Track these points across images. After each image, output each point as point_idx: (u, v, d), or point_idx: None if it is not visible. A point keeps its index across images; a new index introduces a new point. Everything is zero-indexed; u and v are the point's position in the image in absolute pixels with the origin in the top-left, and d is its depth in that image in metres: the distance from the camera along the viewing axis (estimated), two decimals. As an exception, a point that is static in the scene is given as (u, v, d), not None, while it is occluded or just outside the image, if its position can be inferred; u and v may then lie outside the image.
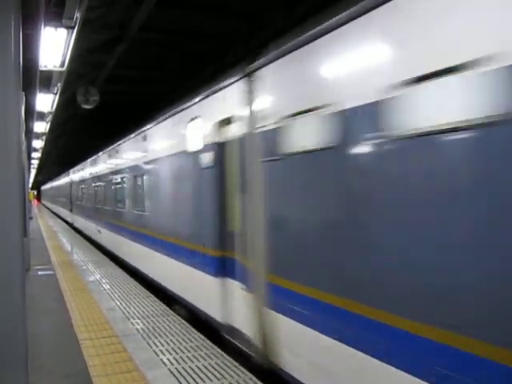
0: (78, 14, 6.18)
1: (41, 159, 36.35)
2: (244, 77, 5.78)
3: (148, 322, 7.33)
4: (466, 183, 3.04)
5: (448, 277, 3.13)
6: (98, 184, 18.02)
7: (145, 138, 10.47)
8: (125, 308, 8.22)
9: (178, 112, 8.31)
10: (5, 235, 3.28)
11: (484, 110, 2.87)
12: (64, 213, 34.18)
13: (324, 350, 4.35)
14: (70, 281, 10.77)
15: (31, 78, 8.90)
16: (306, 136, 4.64)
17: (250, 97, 5.66)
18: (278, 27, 8.30)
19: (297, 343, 4.81)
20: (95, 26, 9.11)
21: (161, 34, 10.43)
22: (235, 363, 5.62)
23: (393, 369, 3.53)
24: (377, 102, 3.65)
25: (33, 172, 45.22)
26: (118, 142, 13.82)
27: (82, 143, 27.01)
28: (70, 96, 13.71)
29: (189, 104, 7.75)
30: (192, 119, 7.55)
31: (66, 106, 15.13)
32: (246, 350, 5.83)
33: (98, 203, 17.78)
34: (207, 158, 6.88)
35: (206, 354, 5.93)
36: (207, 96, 7.00)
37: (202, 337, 6.60)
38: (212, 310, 6.81)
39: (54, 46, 7.34)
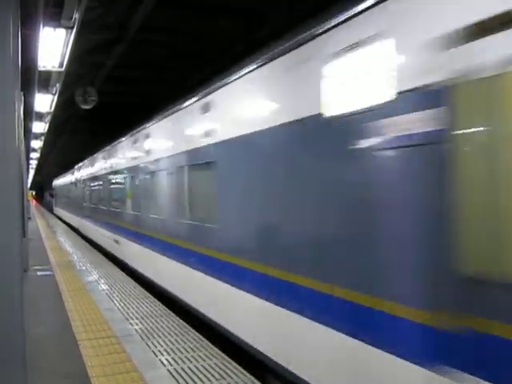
0: (76, 15, 6.17)
1: (40, 159, 36.33)
2: None
3: (147, 323, 7.32)
4: None
5: None
6: None
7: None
8: (123, 308, 8.21)
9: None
10: (3, 235, 3.27)
11: None
12: None
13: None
14: (69, 281, 10.75)
15: (30, 79, 8.89)
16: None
17: None
18: (279, 26, 8.30)
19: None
20: (94, 26, 9.10)
21: (160, 34, 10.42)
22: (234, 364, 5.61)
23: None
24: None
25: (31, 172, 45.18)
26: None
27: (81, 144, 27.00)
28: (68, 96, 13.71)
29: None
30: None
31: (65, 106, 15.12)
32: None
33: None
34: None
35: (205, 354, 5.92)
36: None
37: (202, 337, 6.59)
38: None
39: (53, 47, 7.33)
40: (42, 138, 20.22)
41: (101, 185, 17.44)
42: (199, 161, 7.47)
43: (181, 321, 7.45)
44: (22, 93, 8.87)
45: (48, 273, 11.94)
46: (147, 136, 10.59)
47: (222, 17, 9.48)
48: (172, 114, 8.83)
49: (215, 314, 6.85)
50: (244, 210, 6.00)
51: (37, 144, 22.90)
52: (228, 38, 10.30)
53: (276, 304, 5.14)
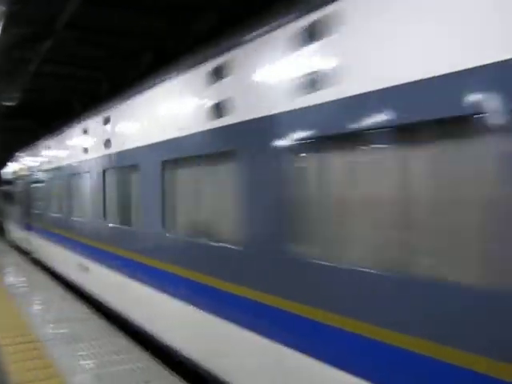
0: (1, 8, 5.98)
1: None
2: None
3: (71, 327, 7.17)
4: None
5: None
6: None
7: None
8: (46, 313, 7.99)
9: None
10: None
11: None
12: None
13: None
14: (-11, 285, 10.33)
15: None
16: None
17: None
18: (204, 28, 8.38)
19: None
20: (19, 21, 8.81)
21: (88, 32, 10.22)
22: (160, 366, 5.60)
23: None
24: None
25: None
26: None
27: (6, 142, 25.89)
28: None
29: None
30: None
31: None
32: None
33: None
34: None
35: (129, 357, 5.87)
36: None
37: (126, 340, 6.54)
38: None
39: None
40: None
41: None
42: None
43: (105, 323, 7.37)
44: None
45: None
46: None
47: (150, 15, 9.39)
48: None
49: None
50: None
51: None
52: (156, 36, 10.23)
53: None
